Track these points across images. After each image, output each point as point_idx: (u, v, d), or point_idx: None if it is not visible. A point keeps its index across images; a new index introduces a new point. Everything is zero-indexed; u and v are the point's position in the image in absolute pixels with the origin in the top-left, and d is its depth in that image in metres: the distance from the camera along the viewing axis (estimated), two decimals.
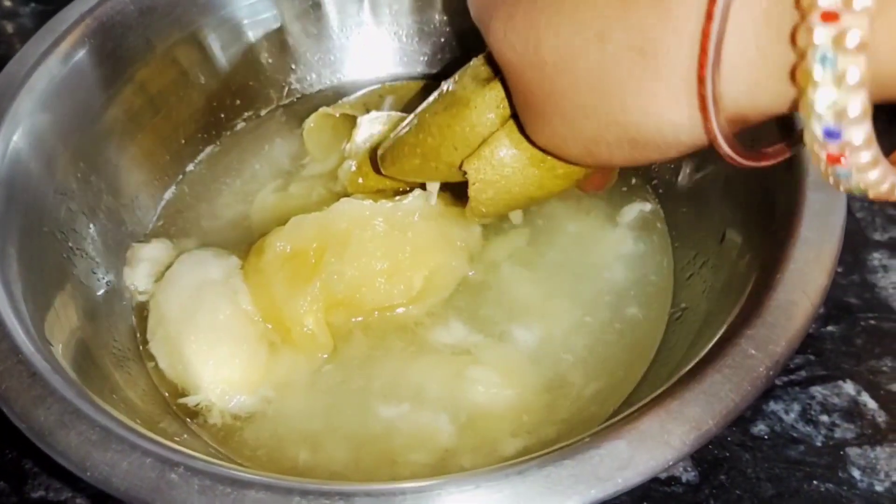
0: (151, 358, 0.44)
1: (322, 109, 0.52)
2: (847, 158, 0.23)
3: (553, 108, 0.31)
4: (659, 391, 0.32)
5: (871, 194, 0.25)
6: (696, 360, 0.33)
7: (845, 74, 0.22)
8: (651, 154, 0.29)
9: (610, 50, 0.27)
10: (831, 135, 0.23)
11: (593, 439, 0.30)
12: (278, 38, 0.55)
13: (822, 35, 0.22)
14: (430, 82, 0.54)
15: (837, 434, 0.45)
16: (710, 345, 0.33)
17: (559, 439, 0.40)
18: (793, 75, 0.24)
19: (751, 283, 0.36)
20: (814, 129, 0.23)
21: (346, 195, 0.48)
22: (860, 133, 0.23)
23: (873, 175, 0.24)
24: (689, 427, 0.30)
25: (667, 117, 0.27)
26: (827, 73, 0.22)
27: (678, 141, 0.28)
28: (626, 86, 0.27)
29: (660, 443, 0.29)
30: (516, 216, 0.46)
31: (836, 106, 0.23)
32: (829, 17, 0.21)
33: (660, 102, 0.27)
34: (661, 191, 0.49)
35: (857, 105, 0.22)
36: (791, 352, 0.32)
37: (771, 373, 0.31)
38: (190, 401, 0.42)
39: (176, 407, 0.42)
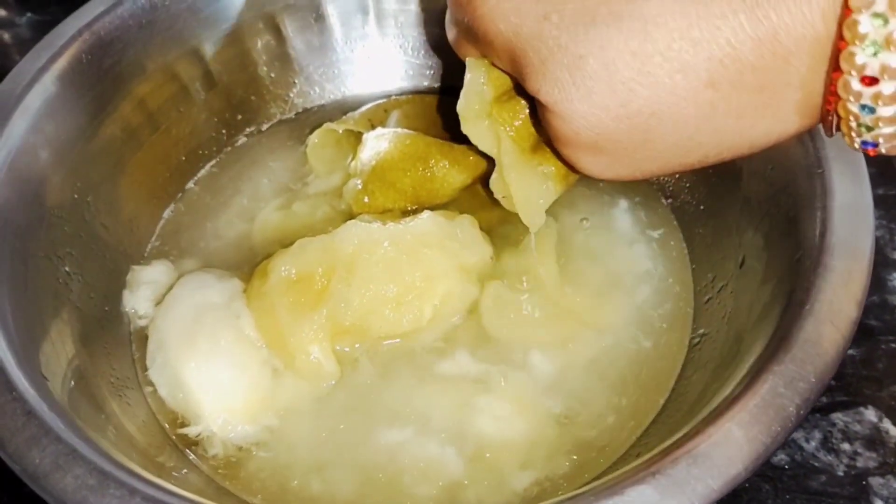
0: (151, 385, 0.42)
1: (326, 125, 0.51)
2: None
3: (646, 152, 0.31)
4: (684, 430, 0.30)
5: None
6: (723, 397, 0.31)
7: None
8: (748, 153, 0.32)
9: (724, 92, 0.29)
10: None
11: (617, 484, 0.28)
12: (280, 52, 0.54)
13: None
14: (436, 97, 0.53)
15: (860, 463, 0.44)
16: (736, 380, 0.32)
17: (573, 472, 0.39)
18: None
19: (776, 313, 0.34)
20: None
21: (351, 213, 0.47)
22: None
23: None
24: (717, 472, 0.28)
25: (780, 130, 0.30)
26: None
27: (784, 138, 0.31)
28: (743, 119, 0.29)
29: (687, 489, 0.28)
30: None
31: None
32: None
33: (776, 124, 0.30)
34: (678, 211, 0.48)
35: None
36: (822, 389, 0.31)
37: (802, 412, 0.30)
38: (191, 431, 0.41)
39: (176, 437, 0.41)
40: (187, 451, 0.41)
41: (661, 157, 0.32)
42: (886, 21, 0.25)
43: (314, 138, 0.51)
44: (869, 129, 0.27)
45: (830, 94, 0.27)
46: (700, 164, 0.32)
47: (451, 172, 0.45)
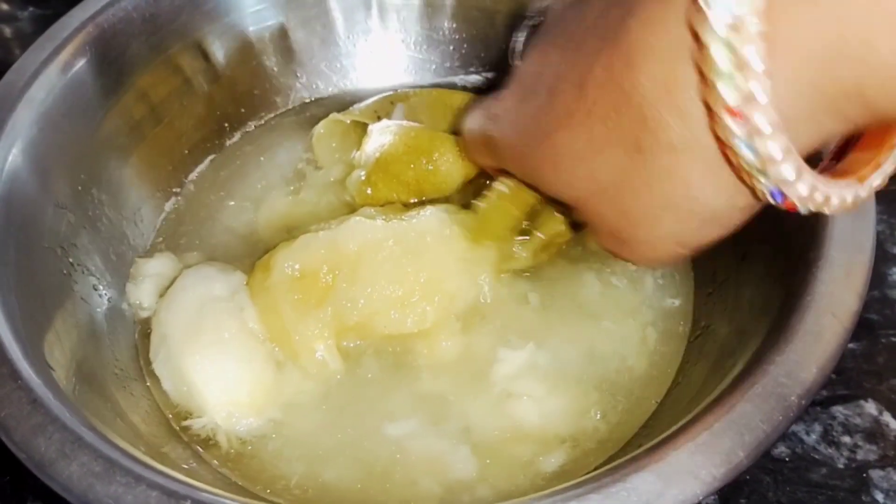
0: (155, 379, 0.42)
1: (332, 115, 0.51)
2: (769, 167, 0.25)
3: (630, 224, 0.32)
4: (686, 419, 0.30)
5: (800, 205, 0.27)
6: (724, 386, 0.32)
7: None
8: (729, 223, 0.30)
9: (645, 160, 0.29)
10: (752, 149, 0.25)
11: (620, 472, 0.28)
12: (284, 46, 0.54)
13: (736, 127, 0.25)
14: (443, 91, 0.53)
15: (860, 456, 0.44)
16: (738, 370, 0.32)
17: (572, 464, 0.39)
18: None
19: (777, 304, 0.35)
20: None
21: (355, 204, 0.47)
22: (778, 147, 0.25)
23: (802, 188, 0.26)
24: (719, 459, 0.29)
25: (716, 191, 0.28)
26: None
27: (738, 205, 0.29)
28: (675, 180, 0.29)
29: (689, 476, 0.28)
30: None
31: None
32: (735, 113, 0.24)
33: (705, 183, 0.28)
34: None
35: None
36: (823, 379, 0.31)
37: (803, 402, 0.30)
38: (195, 423, 0.41)
39: (181, 430, 0.41)
40: (191, 443, 0.41)
41: (654, 226, 0.31)
42: (733, 47, 0.24)
43: (320, 128, 0.51)
44: (764, 174, 0.26)
45: (720, 143, 0.26)
46: (702, 230, 0.31)
47: (455, 166, 0.45)
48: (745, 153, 0.25)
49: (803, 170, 0.26)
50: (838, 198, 0.27)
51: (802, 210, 0.27)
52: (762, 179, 0.26)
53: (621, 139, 0.29)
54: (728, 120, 0.25)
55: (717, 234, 0.31)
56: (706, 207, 0.29)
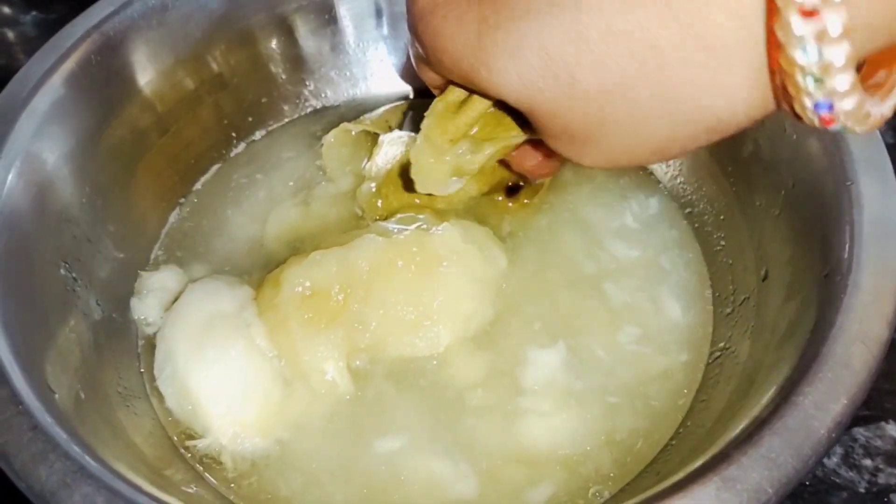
0: (159, 397, 0.41)
1: (343, 125, 0.50)
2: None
3: (606, 132, 0.29)
4: (712, 452, 0.29)
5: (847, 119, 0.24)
6: (751, 418, 0.31)
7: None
8: (723, 134, 0.28)
9: (672, 57, 0.25)
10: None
11: None
12: (292, 54, 0.53)
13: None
14: None
15: (881, 479, 0.43)
16: (764, 401, 0.31)
17: (589, 489, 0.38)
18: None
19: (804, 332, 0.33)
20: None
21: (365, 217, 0.46)
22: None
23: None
24: (747, 497, 0.28)
25: (742, 100, 0.26)
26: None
27: (751, 116, 0.27)
28: (699, 85, 0.26)
29: None
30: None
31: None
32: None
33: (735, 90, 0.26)
34: (696, 220, 0.47)
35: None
36: (853, 411, 0.30)
37: (833, 435, 0.29)
38: (200, 444, 0.40)
39: (185, 450, 0.40)
40: (196, 464, 0.40)
41: (640, 135, 0.29)
42: None
43: (330, 138, 0.50)
44: (818, 81, 0.23)
45: (773, 47, 0.24)
46: (692, 140, 0.29)
47: (468, 178, 0.43)
48: (806, 58, 0.23)
49: (855, 81, 0.24)
50: (876, 114, 0.25)
51: (837, 127, 0.24)
52: (813, 89, 0.24)
53: (628, 38, 0.25)
54: (795, 20, 0.22)
55: (703, 143, 0.28)
56: (713, 117, 0.27)
